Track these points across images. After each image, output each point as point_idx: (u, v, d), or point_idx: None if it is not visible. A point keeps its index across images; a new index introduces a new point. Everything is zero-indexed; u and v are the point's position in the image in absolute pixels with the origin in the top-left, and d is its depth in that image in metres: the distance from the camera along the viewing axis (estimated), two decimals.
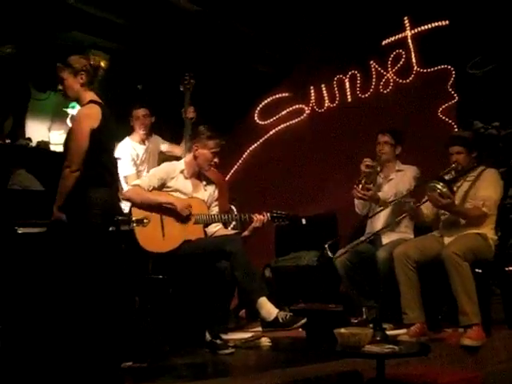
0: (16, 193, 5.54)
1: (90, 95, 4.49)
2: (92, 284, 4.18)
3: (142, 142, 6.35)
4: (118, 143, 6.34)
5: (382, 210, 5.82)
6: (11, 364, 4.25)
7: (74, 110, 7.33)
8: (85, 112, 4.40)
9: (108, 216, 4.47)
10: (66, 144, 4.41)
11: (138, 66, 7.53)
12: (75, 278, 4.20)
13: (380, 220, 5.93)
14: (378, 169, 5.87)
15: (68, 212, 4.31)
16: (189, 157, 5.53)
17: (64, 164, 4.27)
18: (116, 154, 6.20)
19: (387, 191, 5.86)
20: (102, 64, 4.62)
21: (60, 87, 4.54)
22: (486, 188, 5.34)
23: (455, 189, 5.41)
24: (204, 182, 5.55)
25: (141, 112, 6.36)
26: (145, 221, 5.14)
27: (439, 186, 5.17)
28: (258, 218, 5.36)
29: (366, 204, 5.96)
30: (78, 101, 4.55)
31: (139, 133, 6.36)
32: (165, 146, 6.51)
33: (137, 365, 4.26)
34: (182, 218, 5.27)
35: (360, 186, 5.72)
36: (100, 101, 4.48)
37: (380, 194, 5.83)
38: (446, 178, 5.35)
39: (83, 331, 4.11)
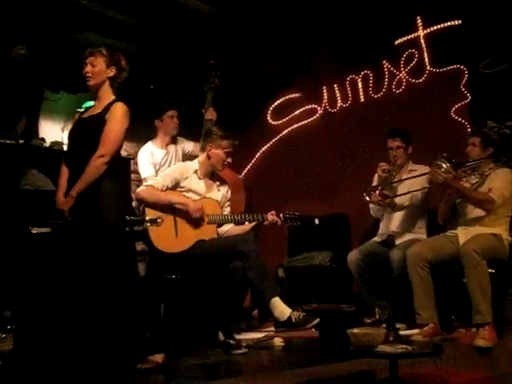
0: (29, 193, 5.55)
1: (111, 91, 4.49)
2: (106, 283, 4.19)
3: (164, 146, 6.31)
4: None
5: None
6: (25, 363, 4.27)
7: None
8: (125, 109, 4.38)
9: (124, 207, 4.52)
10: (92, 134, 4.33)
11: (150, 67, 7.54)
12: (90, 277, 4.21)
13: (394, 221, 5.93)
14: (394, 173, 5.85)
15: (82, 202, 4.29)
16: (202, 157, 5.54)
17: (97, 153, 4.24)
18: (138, 159, 6.25)
19: (402, 196, 5.83)
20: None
21: (87, 70, 4.44)
22: (497, 182, 5.33)
23: (464, 180, 5.41)
24: (217, 182, 5.56)
25: (174, 113, 6.34)
26: (158, 220, 5.15)
27: (442, 163, 5.18)
28: (271, 219, 5.36)
29: (381, 208, 5.95)
30: (97, 93, 4.50)
31: (168, 135, 6.31)
32: (190, 146, 6.43)
33: (149, 365, 4.25)
34: (196, 219, 5.28)
35: (377, 191, 5.71)
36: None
37: (396, 199, 5.81)
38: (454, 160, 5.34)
39: (97, 331, 4.12)
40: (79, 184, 4.27)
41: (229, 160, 5.51)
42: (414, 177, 5.76)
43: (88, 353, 4.07)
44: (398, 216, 5.93)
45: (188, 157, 6.30)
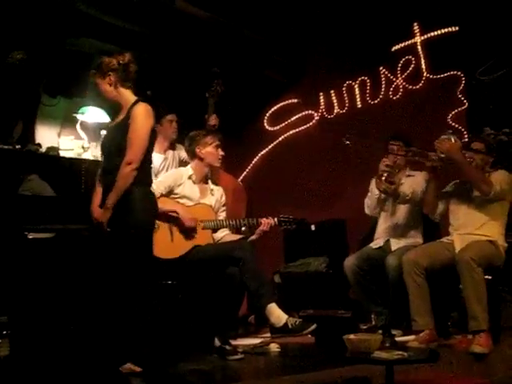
0: (26, 198, 5.54)
1: (128, 93, 4.49)
2: (126, 287, 4.19)
3: (163, 152, 6.30)
4: None
5: None
6: (21, 369, 4.27)
7: (83, 115, 7.33)
8: (146, 109, 4.38)
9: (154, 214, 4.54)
10: (118, 141, 4.35)
11: (147, 73, 7.54)
12: (111, 281, 4.22)
13: (390, 225, 5.94)
14: (396, 170, 5.85)
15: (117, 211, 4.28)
16: (194, 162, 5.54)
17: (124, 160, 4.23)
18: None
19: (405, 189, 5.85)
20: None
21: (98, 95, 4.56)
22: (497, 176, 5.34)
23: None
24: (211, 187, 5.56)
25: (173, 117, 6.34)
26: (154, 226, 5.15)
27: (451, 137, 5.22)
28: (266, 222, 5.38)
29: (377, 204, 5.97)
30: (117, 101, 4.52)
31: (167, 139, 6.30)
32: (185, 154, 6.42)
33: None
34: (189, 228, 5.27)
35: (383, 178, 5.72)
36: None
37: (400, 189, 5.83)
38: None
39: (95, 333, 4.13)
40: (113, 194, 4.26)
41: (221, 153, 5.54)
42: (416, 163, 5.79)
43: (85, 357, 4.09)
44: (394, 220, 5.95)
45: (184, 164, 6.30)
